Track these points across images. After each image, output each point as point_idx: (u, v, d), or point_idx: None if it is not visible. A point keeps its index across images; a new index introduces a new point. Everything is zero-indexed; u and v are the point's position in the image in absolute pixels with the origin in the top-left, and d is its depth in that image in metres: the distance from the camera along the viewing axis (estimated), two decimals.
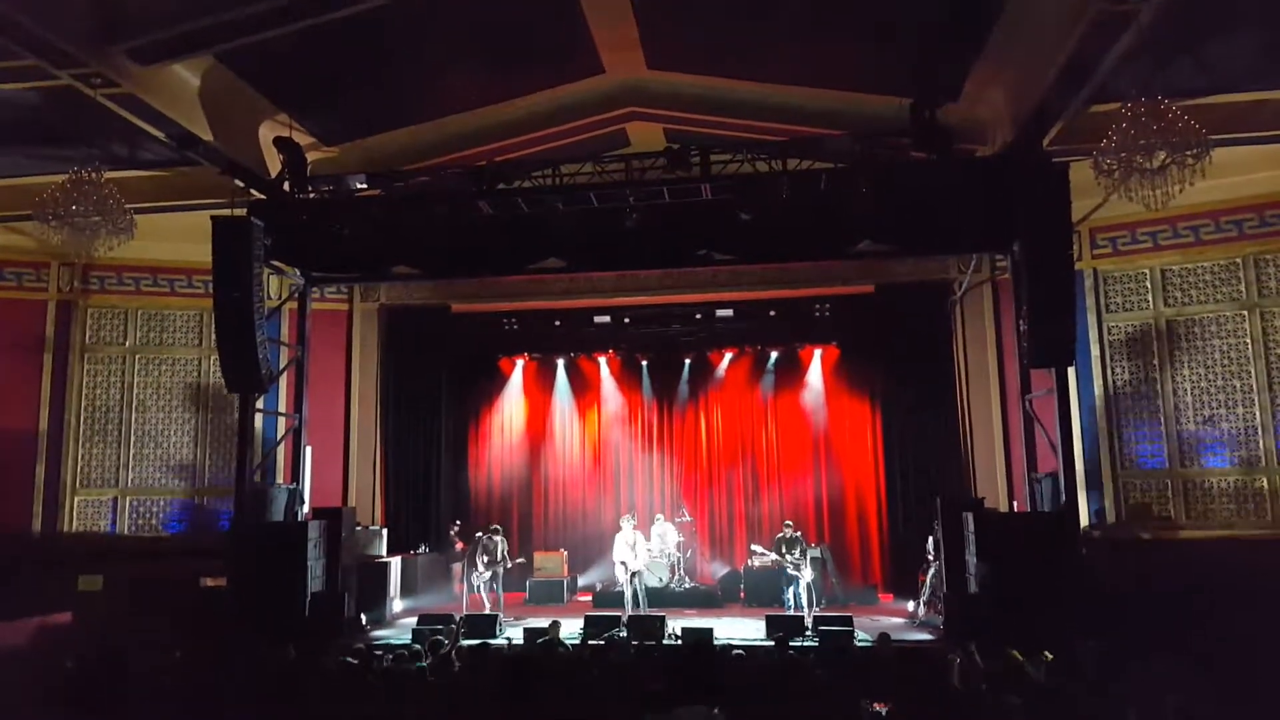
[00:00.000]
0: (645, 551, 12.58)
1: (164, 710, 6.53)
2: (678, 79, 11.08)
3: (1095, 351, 12.58)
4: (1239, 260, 11.92)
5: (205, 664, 7.55)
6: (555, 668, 6.62)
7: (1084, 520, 11.59)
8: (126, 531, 13.34)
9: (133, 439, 13.57)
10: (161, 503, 13.58)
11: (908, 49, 9.74)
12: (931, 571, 11.47)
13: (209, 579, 11.72)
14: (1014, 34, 9.21)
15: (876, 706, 5.75)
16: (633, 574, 12.05)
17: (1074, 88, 9.18)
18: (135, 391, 13.67)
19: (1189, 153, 8.54)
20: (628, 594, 11.94)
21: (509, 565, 12.21)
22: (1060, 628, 8.72)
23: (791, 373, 14.97)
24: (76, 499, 13.26)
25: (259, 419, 12.32)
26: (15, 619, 10.62)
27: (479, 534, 12.41)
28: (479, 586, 11.99)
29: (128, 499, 13.45)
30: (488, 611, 11.45)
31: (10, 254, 13.14)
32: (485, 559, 12.00)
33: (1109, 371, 12.58)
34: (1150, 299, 12.45)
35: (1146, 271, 12.49)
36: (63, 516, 13.09)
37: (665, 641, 9.73)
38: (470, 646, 7.98)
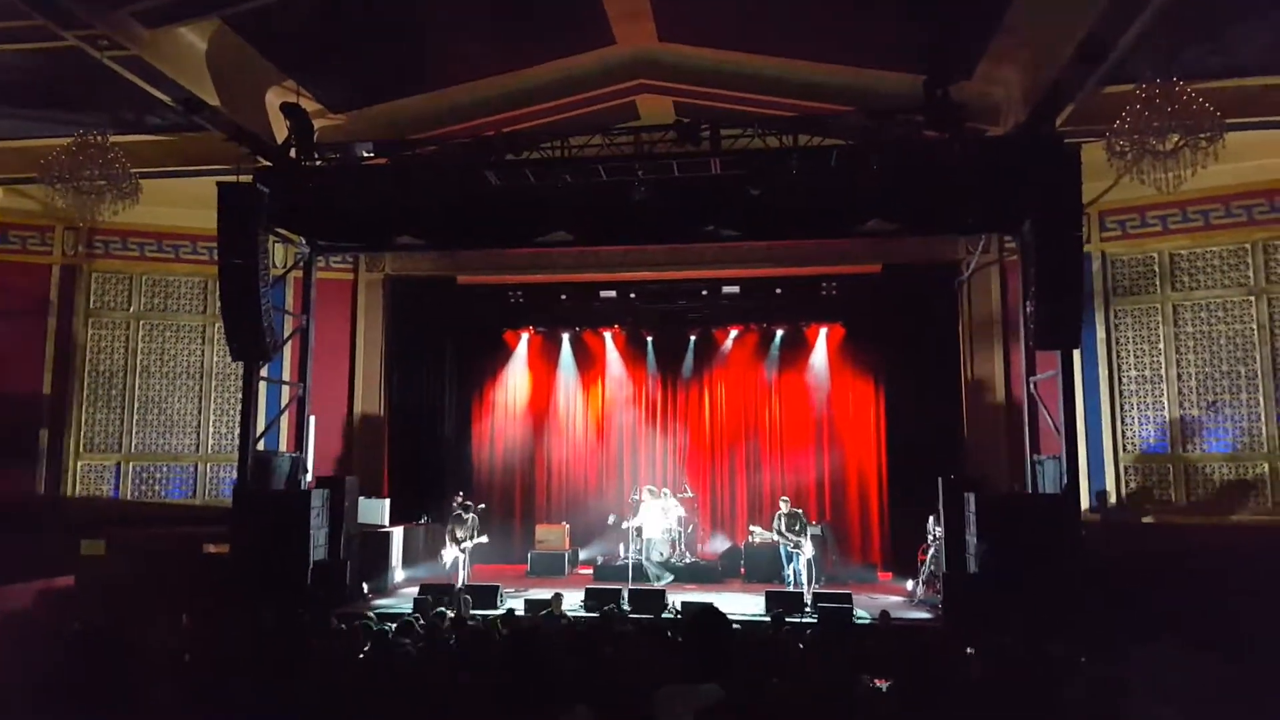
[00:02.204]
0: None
1: (165, 676, 6.55)
2: (689, 51, 10.99)
3: (1101, 334, 12.58)
4: (1248, 246, 11.89)
5: (206, 630, 7.58)
6: (564, 643, 6.62)
7: (1085, 503, 11.65)
8: (129, 497, 13.40)
9: (136, 405, 13.60)
10: (164, 469, 13.64)
11: (922, 25, 9.64)
12: (931, 551, 11.53)
13: (211, 546, 11.79)
14: (1030, 13, 9.12)
15: (877, 682, 5.77)
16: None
17: (1089, 68, 9.08)
18: (139, 357, 13.68)
19: (1202, 135, 8.52)
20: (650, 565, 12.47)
21: (471, 542, 11.44)
22: (1059, 609, 8.80)
23: (796, 351, 14.95)
24: (80, 463, 13.30)
25: (263, 387, 12.31)
26: (18, 582, 10.68)
27: (456, 510, 11.77)
28: (448, 565, 11.35)
29: (130, 464, 13.50)
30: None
31: (14, 217, 13.08)
32: (456, 536, 11.40)
33: (1114, 355, 12.58)
34: (1158, 283, 12.43)
35: (1155, 255, 12.45)
36: (66, 480, 13.15)
37: (665, 616, 9.80)
38: (468, 619, 7.99)
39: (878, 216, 10.90)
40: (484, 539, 11.60)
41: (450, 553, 11.29)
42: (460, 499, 12.33)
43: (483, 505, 12.55)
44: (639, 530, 12.89)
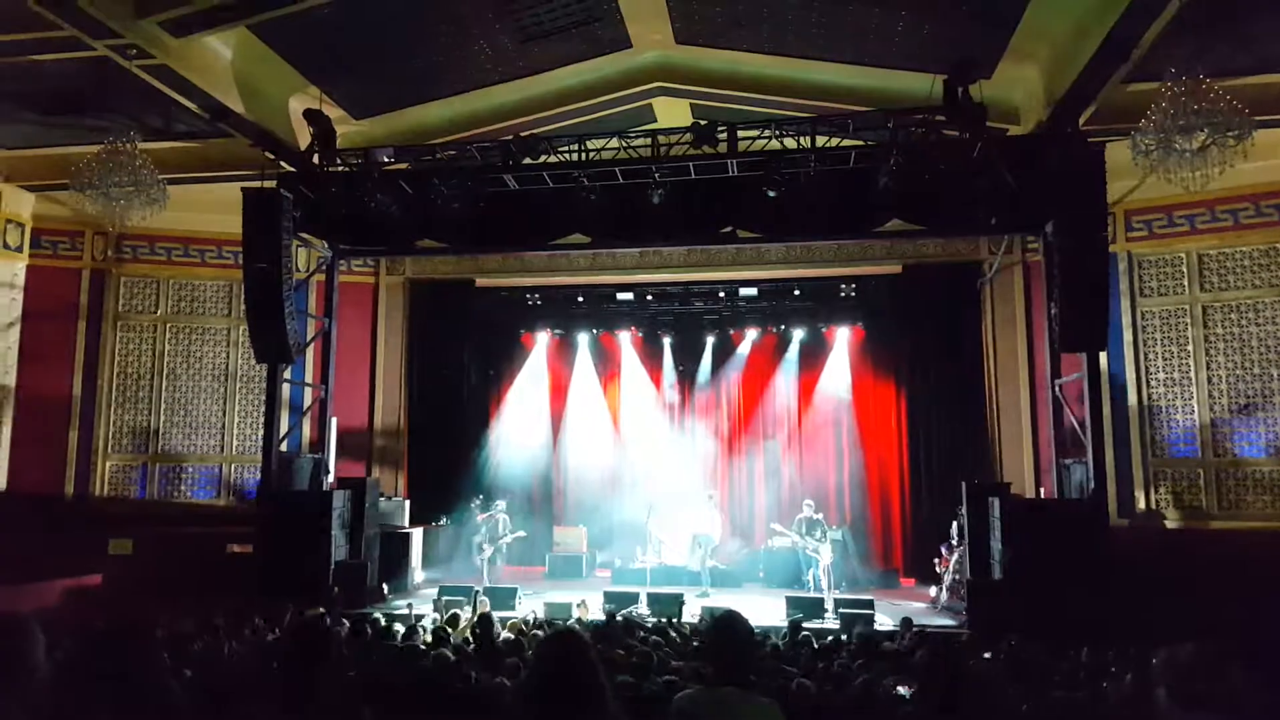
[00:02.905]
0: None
1: (189, 674, 6.60)
2: (706, 54, 11.00)
3: (1128, 336, 12.36)
4: (1279, 245, 11.64)
5: (230, 629, 7.65)
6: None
7: (1113, 508, 11.45)
8: (156, 497, 13.60)
9: (163, 406, 13.80)
10: (190, 469, 13.83)
11: (942, 24, 9.57)
12: (955, 557, 11.38)
13: (236, 545, 11.92)
14: (1051, 10, 9.02)
15: (900, 688, 5.70)
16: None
17: (1112, 66, 8.99)
18: (166, 360, 13.89)
19: (1230, 133, 8.37)
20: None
21: (508, 539, 12.20)
22: (1086, 616, 8.65)
23: (815, 353, 14.83)
24: (107, 464, 13.52)
25: (286, 389, 12.46)
26: (47, 580, 10.87)
27: (486, 512, 12.48)
28: (481, 565, 11.95)
29: (157, 465, 13.71)
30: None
31: (46, 222, 13.36)
32: (487, 537, 12.06)
33: (1141, 357, 12.36)
34: (1186, 283, 12.20)
35: (1183, 255, 12.22)
36: (94, 481, 13.37)
37: (684, 620, 9.74)
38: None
39: (897, 217, 10.82)
40: (522, 533, 12.04)
41: (480, 557, 11.74)
42: (479, 501, 12.48)
43: (501, 502, 12.69)
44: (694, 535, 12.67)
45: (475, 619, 7.76)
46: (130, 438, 13.66)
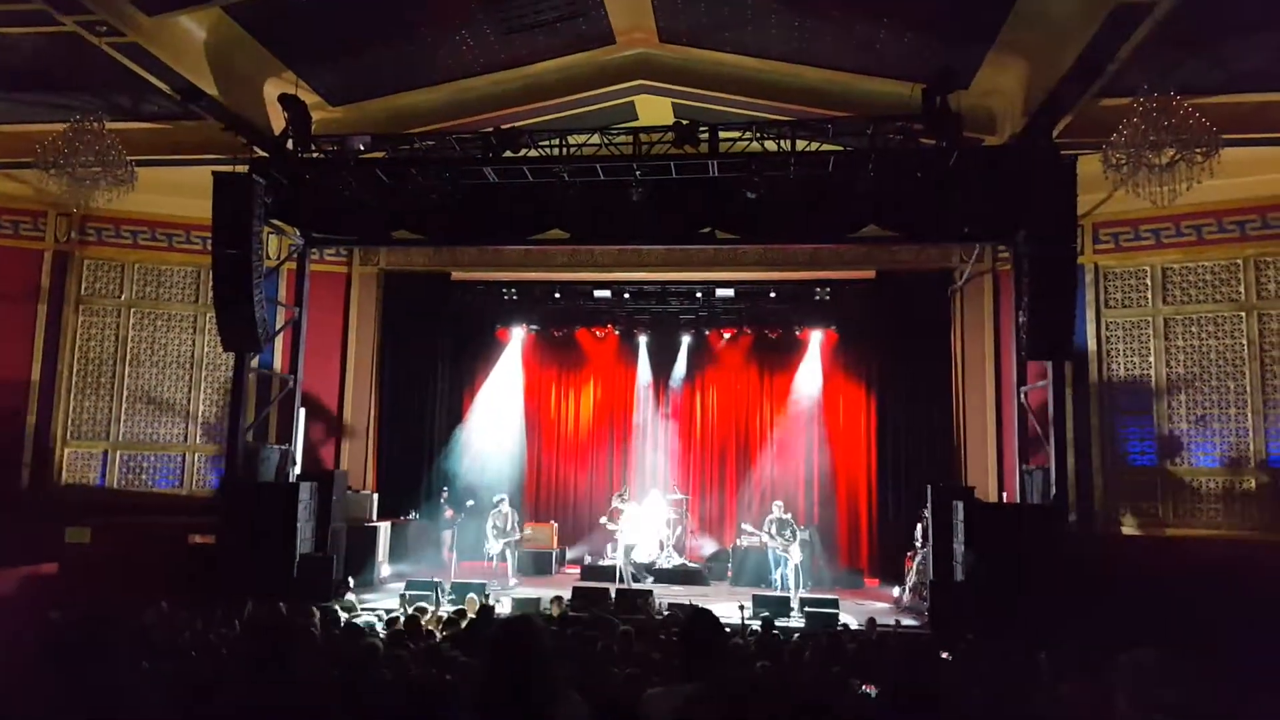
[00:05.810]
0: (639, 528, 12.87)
1: (147, 666, 6.49)
2: (689, 53, 11.01)
3: (1092, 346, 12.61)
4: (1240, 261, 11.94)
5: (191, 621, 7.53)
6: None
7: (1072, 514, 11.68)
8: (116, 485, 13.31)
9: (125, 393, 13.49)
10: (152, 458, 13.55)
11: (922, 33, 9.68)
12: (918, 558, 11.55)
13: (198, 536, 11.72)
14: (1028, 24, 9.17)
15: (866, 687, 5.76)
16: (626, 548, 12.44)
17: (1086, 80, 9.15)
18: (129, 345, 13.57)
19: (1198, 150, 8.55)
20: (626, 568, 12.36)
21: (518, 536, 12.66)
22: (1044, 618, 8.82)
23: (789, 355, 14.96)
24: (67, 451, 13.20)
25: (253, 378, 12.27)
26: (2, 568, 10.60)
27: (492, 508, 12.85)
28: (493, 557, 12.43)
29: (118, 453, 13.39)
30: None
31: (7, 202, 12.99)
32: (495, 530, 12.40)
33: (1104, 367, 12.62)
34: (1149, 296, 12.47)
35: (1147, 268, 12.50)
36: (52, 468, 13.04)
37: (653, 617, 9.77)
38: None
39: (873, 223, 10.94)
40: (528, 531, 13.06)
41: (491, 550, 12.49)
42: (447, 495, 12.67)
43: (471, 502, 12.68)
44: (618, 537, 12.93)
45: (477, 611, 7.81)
46: (91, 424, 13.33)
